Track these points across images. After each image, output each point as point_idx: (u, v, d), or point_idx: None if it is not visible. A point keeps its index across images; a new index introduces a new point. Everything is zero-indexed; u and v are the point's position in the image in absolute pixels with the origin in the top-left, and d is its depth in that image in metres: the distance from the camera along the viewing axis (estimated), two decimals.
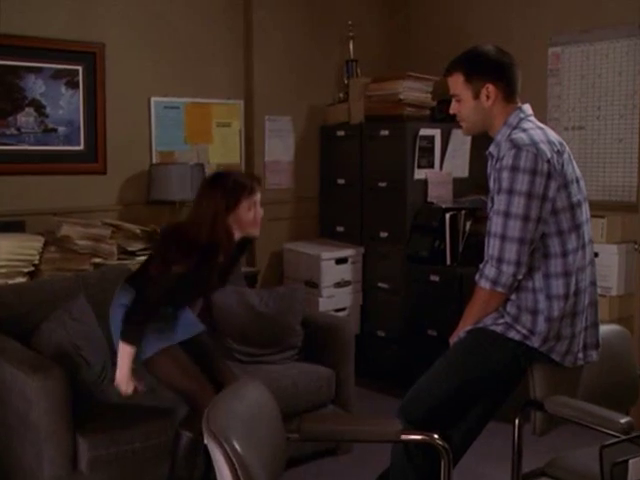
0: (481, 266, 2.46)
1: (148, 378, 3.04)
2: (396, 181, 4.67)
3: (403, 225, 4.66)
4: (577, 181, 2.44)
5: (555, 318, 2.39)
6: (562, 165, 2.38)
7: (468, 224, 4.49)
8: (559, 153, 2.39)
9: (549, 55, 4.61)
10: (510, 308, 2.44)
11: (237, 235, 2.92)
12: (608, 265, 4.03)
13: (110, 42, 4.38)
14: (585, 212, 2.46)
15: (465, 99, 2.51)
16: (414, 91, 4.69)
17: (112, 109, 4.42)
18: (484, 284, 2.42)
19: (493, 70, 2.47)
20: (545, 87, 4.66)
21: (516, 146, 2.35)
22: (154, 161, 4.60)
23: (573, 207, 2.40)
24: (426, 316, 4.58)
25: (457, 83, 2.52)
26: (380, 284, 4.87)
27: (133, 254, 4.10)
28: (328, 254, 4.74)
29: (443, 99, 4.86)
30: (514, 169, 2.33)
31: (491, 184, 2.46)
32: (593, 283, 2.51)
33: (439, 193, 4.72)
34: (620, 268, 4.08)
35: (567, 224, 2.39)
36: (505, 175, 2.35)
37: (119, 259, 4.05)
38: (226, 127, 4.91)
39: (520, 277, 2.38)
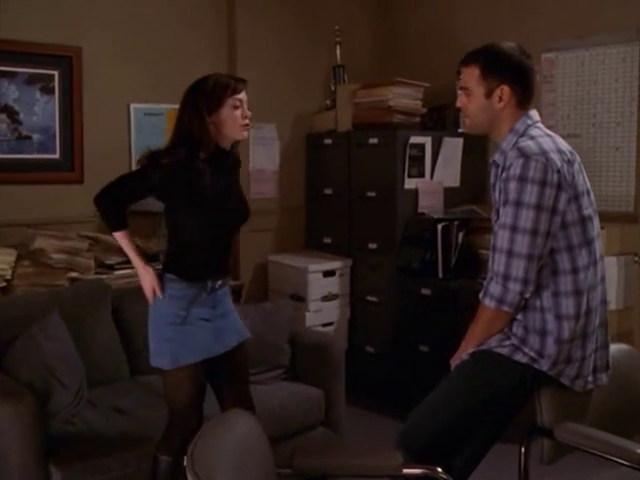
0: (485, 283, 2.30)
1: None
2: (385, 191, 4.51)
3: (393, 236, 4.50)
4: (588, 193, 2.29)
5: (565, 340, 2.23)
6: (573, 176, 2.22)
7: (461, 235, 4.33)
8: (569, 163, 2.23)
9: (542, 61, 4.46)
10: (517, 329, 2.28)
11: (224, 141, 2.78)
12: (606, 278, 3.86)
13: (88, 46, 4.19)
14: (596, 226, 2.30)
15: (476, 95, 2.35)
16: (404, 98, 4.54)
17: (90, 116, 4.23)
18: (489, 303, 2.25)
19: (513, 71, 2.31)
20: (539, 94, 4.50)
21: (524, 155, 2.18)
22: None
23: (584, 221, 2.24)
24: (417, 331, 4.42)
25: (471, 76, 2.35)
26: (369, 297, 4.70)
27: (111, 268, 3.91)
28: (315, 266, 4.58)
29: (434, 106, 4.74)
30: (522, 179, 2.17)
31: (496, 195, 2.30)
32: (603, 302, 2.36)
33: (430, 203, 4.57)
34: (619, 281, 3.93)
35: (577, 239, 2.23)
36: (512, 186, 2.19)
37: (97, 273, 3.86)
38: None
39: (527, 295, 2.21)
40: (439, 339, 4.24)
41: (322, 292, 4.58)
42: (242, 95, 2.77)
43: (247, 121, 2.79)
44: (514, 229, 2.18)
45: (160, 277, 2.77)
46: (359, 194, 4.68)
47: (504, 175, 2.23)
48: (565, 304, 2.23)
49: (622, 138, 4.20)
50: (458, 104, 2.42)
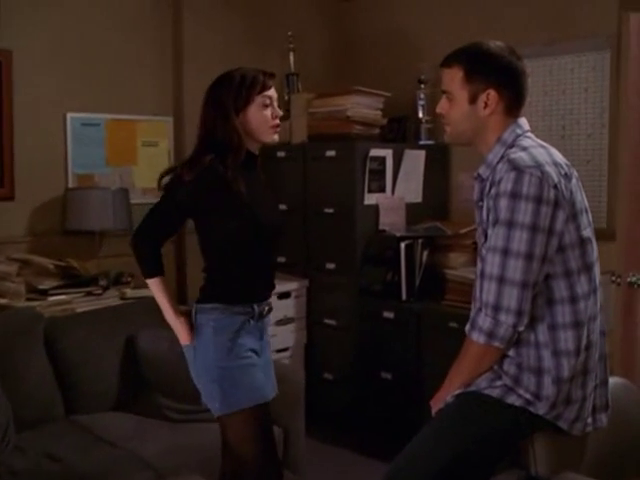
0: (472, 315, 2.01)
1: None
2: (344, 207, 4.22)
3: (353, 255, 4.21)
4: (586, 211, 2.02)
5: (565, 379, 1.95)
6: (570, 192, 1.95)
7: (425, 254, 4.07)
8: (567, 177, 1.96)
9: None
10: (508, 367, 2.00)
11: (252, 145, 2.51)
12: None
13: (19, 49, 3.82)
14: (595, 249, 2.04)
15: (458, 100, 2.07)
16: (363, 108, 4.26)
17: (21, 126, 3.86)
18: (477, 337, 1.96)
19: (501, 74, 2.04)
20: None
21: (517, 168, 1.91)
22: (70, 185, 4.05)
23: (583, 242, 1.98)
24: (379, 357, 4.14)
25: (454, 79, 2.07)
26: (327, 321, 4.39)
27: (44, 293, 3.53)
28: None
29: (394, 117, 4.49)
30: (515, 196, 1.89)
31: (483, 214, 2.02)
32: (603, 333, 2.10)
33: (391, 220, 4.30)
34: None
35: (576, 263, 1.97)
36: (503, 203, 1.91)
37: (28, 300, 3.47)
38: (153, 147, 4.41)
39: (522, 328, 1.94)
40: (402, 365, 3.99)
41: (277, 315, 4.25)
42: (272, 92, 2.49)
43: (277, 121, 2.50)
44: (506, 253, 1.91)
45: (194, 319, 2.49)
46: (316, 210, 4.38)
47: (493, 191, 1.95)
48: (564, 338, 1.95)
49: (593, 151, 3.98)
50: (438, 110, 2.14)
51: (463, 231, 4.11)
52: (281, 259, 4.57)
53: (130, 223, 3.96)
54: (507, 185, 1.90)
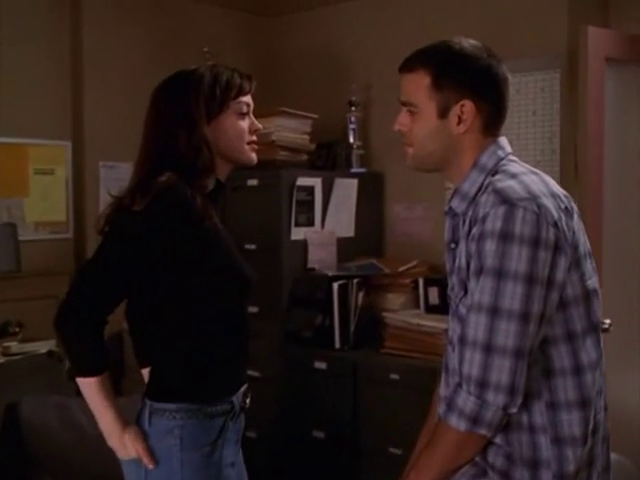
0: (448, 392, 1.55)
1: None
2: (268, 242, 3.78)
3: (278, 297, 3.76)
4: (590, 256, 1.59)
5: (570, 474, 1.51)
6: (573, 231, 1.52)
7: (361, 296, 3.65)
8: (567, 212, 1.53)
9: None
10: (495, 458, 1.54)
11: (221, 168, 1.90)
12: None
13: None
14: (601, 305, 1.61)
15: (424, 114, 1.61)
16: (289, 131, 3.83)
17: None
18: (456, 423, 1.49)
19: (479, 81, 1.61)
20: None
21: (507, 201, 1.47)
22: None
23: (588, 296, 1.54)
24: (310, 413, 3.70)
25: (418, 87, 1.62)
26: (250, 372, 3.82)
27: None
28: None
29: (323, 142, 4.08)
30: (505, 237, 1.45)
31: (462, 261, 1.56)
32: (606, 408, 1.66)
33: (321, 257, 3.87)
34: None
35: (580, 323, 1.53)
36: (490, 247, 1.46)
37: None
38: (48, 175, 3.88)
39: (514, 410, 1.48)
40: (337, 423, 3.58)
41: None
42: (250, 99, 1.93)
43: (255, 137, 1.93)
44: (495, 312, 1.45)
45: (145, 424, 1.78)
46: (236, 246, 3.89)
47: (475, 231, 1.50)
48: (567, 421, 1.51)
49: None
50: (397, 127, 1.67)
51: (402, 269, 3.77)
52: None
53: (18, 263, 3.41)
54: (495, 223, 1.46)
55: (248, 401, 1.92)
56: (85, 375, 1.73)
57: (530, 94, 3.66)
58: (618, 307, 3.26)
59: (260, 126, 1.95)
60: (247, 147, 1.90)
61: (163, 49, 4.23)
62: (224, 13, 4.59)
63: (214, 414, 1.79)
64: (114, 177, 4.02)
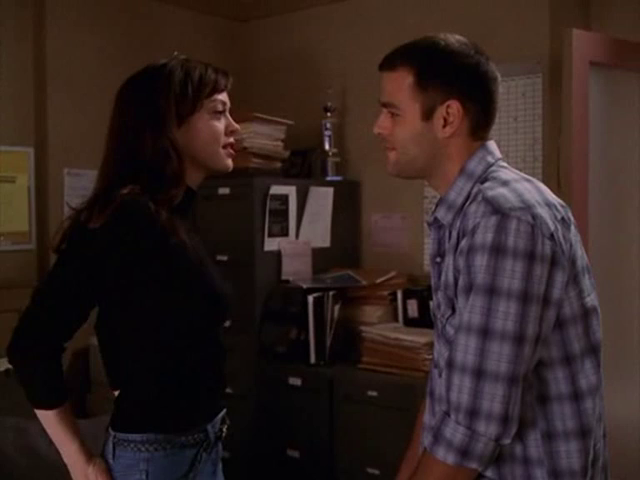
0: (434, 422, 1.41)
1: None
2: (240, 253, 3.65)
3: (251, 311, 3.63)
4: (588, 271, 1.46)
5: None
6: (570, 244, 1.39)
7: (337, 309, 3.54)
8: (564, 223, 1.40)
9: None
10: None
11: (193, 175, 1.73)
12: None
13: None
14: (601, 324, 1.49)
15: (407, 116, 1.48)
16: (262, 137, 3.70)
17: None
18: (444, 456, 1.35)
19: (466, 79, 1.48)
20: None
21: (499, 211, 1.34)
22: None
23: (587, 314, 1.42)
24: (285, 431, 3.57)
25: (400, 86, 1.49)
26: None
27: None
28: None
29: (298, 149, 3.96)
30: (497, 251, 1.31)
31: (449, 276, 1.42)
32: (605, 436, 1.53)
33: (296, 268, 3.74)
34: None
35: (579, 344, 1.40)
36: (480, 262, 1.33)
37: None
38: (9, 183, 3.70)
39: (507, 441, 1.34)
40: (312, 441, 3.46)
41: None
42: (225, 96, 1.75)
43: (232, 139, 1.76)
44: (486, 333, 1.32)
45: (110, 456, 1.63)
46: (211, 261, 3.76)
47: (464, 244, 1.37)
48: (565, 452, 1.38)
49: None
50: (377, 130, 1.54)
51: (379, 280, 3.67)
52: None
53: None
54: (486, 235, 1.32)
55: (225, 429, 1.76)
56: (41, 408, 1.60)
57: (511, 100, 3.56)
58: (603, 322, 3.15)
59: (237, 126, 1.78)
60: (222, 151, 1.74)
61: (131, 53, 4.06)
62: (195, 17, 4.46)
63: (185, 445, 1.64)
64: (80, 185, 3.86)
